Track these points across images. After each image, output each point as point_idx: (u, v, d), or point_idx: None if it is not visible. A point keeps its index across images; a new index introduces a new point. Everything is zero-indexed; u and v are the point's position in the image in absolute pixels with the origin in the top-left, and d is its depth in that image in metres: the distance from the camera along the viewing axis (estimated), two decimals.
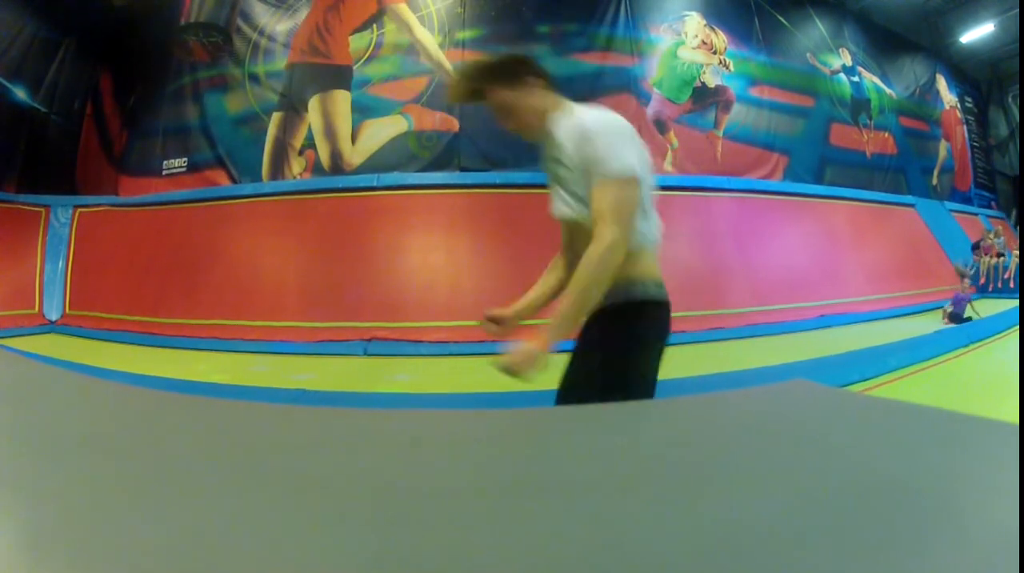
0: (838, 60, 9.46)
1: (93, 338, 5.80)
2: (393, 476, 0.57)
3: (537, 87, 1.27)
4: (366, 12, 7.06)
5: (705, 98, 7.81)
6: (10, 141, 7.07)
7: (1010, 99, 12.78)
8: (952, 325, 5.74)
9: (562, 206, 1.28)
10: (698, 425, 0.79)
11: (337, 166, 6.81)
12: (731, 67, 8.05)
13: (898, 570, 0.38)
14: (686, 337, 5.01)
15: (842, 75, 9.44)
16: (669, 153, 7.37)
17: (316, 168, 6.88)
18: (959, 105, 11.90)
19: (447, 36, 6.96)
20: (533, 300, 1.41)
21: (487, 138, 6.77)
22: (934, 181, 10.81)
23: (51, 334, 6.17)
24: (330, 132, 6.87)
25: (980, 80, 12.75)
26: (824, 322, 6.12)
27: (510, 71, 1.27)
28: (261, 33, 7.35)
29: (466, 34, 6.98)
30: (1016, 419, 0.62)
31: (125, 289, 6.28)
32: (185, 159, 7.36)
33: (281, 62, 7.19)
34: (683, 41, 7.81)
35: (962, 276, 6.30)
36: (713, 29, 8.01)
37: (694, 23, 7.91)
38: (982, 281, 8.59)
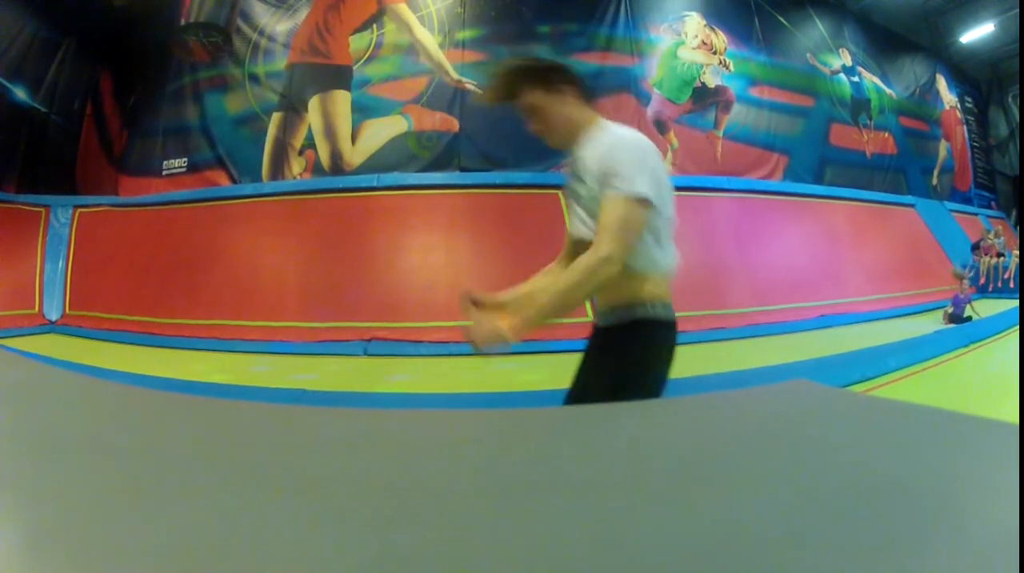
0: (838, 60, 9.46)
1: (93, 338, 5.79)
2: (393, 476, 0.57)
3: (571, 96, 1.28)
4: (366, 12, 7.06)
5: (705, 98, 7.81)
6: (10, 141, 7.07)
7: (1010, 99, 12.77)
8: (952, 325, 5.74)
9: (579, 225, 1.28)
10: (698, 425, 0.79)
11: (337, 166, 6.81)
12: (731, 67, 8.05)
13: (898, 570, 0.38)
14: (686, 337, 4.96)
15: (842, 75, 9.44)
16: (669, 153, 7.37)
17: (316, 168, 6.88)
18: (959, 105, 11.90)
19: (447, 36, 6.96)
20: (519, 296, 1.39)
21: (487, 138, 6.77)
22: (934, 181, 10.81)
23: (51, 334, 6.16)
24: (330, 132, 6.87)
25: (980, 80, 12.75)
26: (824, 322, 6.12)
27: (548, 76, 1.27)
28: (261, 33, 7.35)
29: (466, 34, 6.99)
30: (1016, 419, 0.62)
31: (125, 289, 6.28)
32: (185, 159, 7.36)
33: (281, 62, 7.20)
34: (683, 41, 7.81)
35: (960, 278, 6.29)
36: (713, 29, 8.01)
37: (694, 23, 7.91)
38: (982, 281, 8.59)
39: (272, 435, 0.73)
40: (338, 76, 6.95)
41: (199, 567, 0.38)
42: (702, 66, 7.84)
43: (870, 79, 9.89)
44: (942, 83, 11.54)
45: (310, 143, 6.92)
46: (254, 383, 3.80)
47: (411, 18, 7.00)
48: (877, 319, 6.50)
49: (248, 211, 6.56)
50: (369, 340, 5.14)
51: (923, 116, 10.87)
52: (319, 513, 0.47)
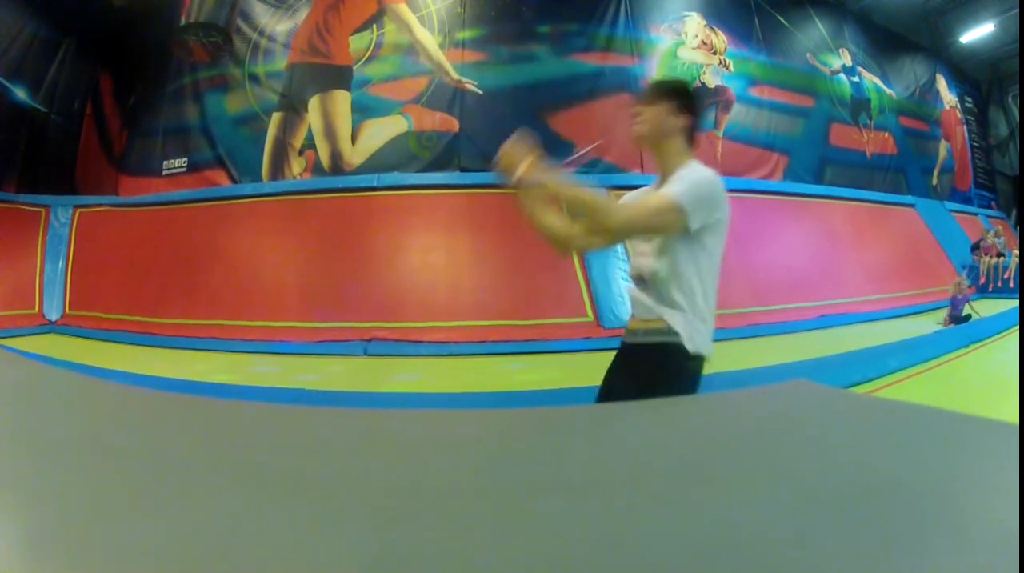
0: (838, 60, 9.45)
1: (93, 338, 5.79)
2: (393, 476, 0.57)
3: (686, 126, 1.35)
4: (366, 12, 7.06)
5: (705, 98, 7.81)
6: (10, 141, 7.07)
7: (1010, 99, 12.77)
8: (952, 325, 5.74)
9: (641, 260, 1.36)
10: (698, 425, 0.79)
11: (337, 166, 6.81)
12: (731, 67, 8.05)
13: (898, 570, 0.38)
14: None
15: (842, 75, 9.44)
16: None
17: (316, 168, 6.88)
18: (959, 105, 11.89)
19: (447, 36, 6.96)
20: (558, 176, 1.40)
21: (487, 138, 6.76)
22: (934, 181, 10.81)
23: (51, 334, 6.16)
24: (330, 132, 6.87)
25: (980, 80, 12.74)
26: (825, 322, 6.12)
27: (686, 99, 1.36)
28: (261, 33, 7.35)
29: (466, 34, 6.98)
30: (1016, 419, 0.62)
31: (125, 289, 6.28)
32: (185, 159, 7.35)
33: (281, 62, 7.19)
34: (683, 41, 7.81)
35: (958, 285, 6.29)
36: (713, 29, 8.01)
37: (694, 23, 7.91)
38: (982, 281, 8.59)
39: (272, 435, 0.73)
40: (338, 76, 6.95)
41: (199, 567, 0.38)
42: (702, 66, 7.84)
43: (870, 79, 9.88)
44: (942, 83, 11.54)
45: (310, 143, 6.92)
46: (254, 383, 3.80)
47: (411, 18, 6.99)
48: (877, 319, 6.50)
49: (248, 211, 6.56)
50: (369, 340, 5.14)
51: (923, 116, 10.87)
52: (319, 513, 0.47)
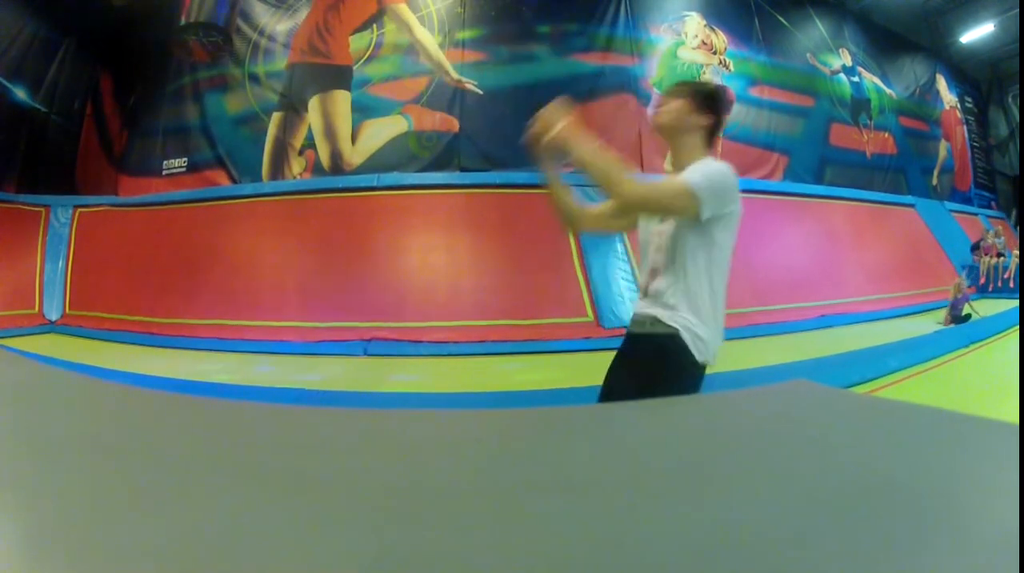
0: (838, 60, 9.45)
1: (93, 338, 5.80)
2: (393, 476, 0.57)
3: (706, 125, 1.39)
4: (366, 12, 7.06)
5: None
6: (10, 141, 7.07)
7: (1010, 99, 12.77)
8: (953, 325, 5.74)
9: (652, 253, 1.39)
10: (698, 425, 0.79)
11: (337, 166, 6.81)
12: (731, 67, 8.05)
13: (898, 570, 0.38)
14: None
15: (842, 75, 9.44)
16: (669, 153, 7.36)
17: (316, 168, 6.88)
18: (959, 105, 11.89)
19: (447, 36, 6.96)
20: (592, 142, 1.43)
21: (487, 138, 6.77)
22: (934, 181, 10.81)
23: (51, 334, 6.16)
24: (330, 132, 6.87)
25: (980, 80, 12.74)
26: (825, 322, 6.12)
27: (711, 100, 1.40)
28: (261, 33, 7.35)
29: (466, 34, 6.98)
30: (1016, 419, 0.62)
31: (125, 289, 6.28)
32: (185, 159, 7.36)
33: (281, 62, 7.19)
34: (683, 41, 7.81)
35: (958, 285, 6.29)
36: (713, 29, 8.01)
37: (694, 23, 7.91)
38: (982, 281, 8.59)
39: (272, 435, 0.73)
40: (338, 76, 6.95)
41: (199, 567, 0.38)
42: (702, 66, 7.83)
43: (870, 79, 9.88)
44: (942, 83, 11.54)
45: (310, 143, 6.92)
46: (254, 383, 3.80)
47: (411, 18, 6.99)
48: (877, 319, 6.50)
49: (248, 211, 6.56)
50: (369, 340, 5.14)
51: (923, 116, 10.87)
52: (319, 513, 0.47)
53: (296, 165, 6.95)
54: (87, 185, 7.72)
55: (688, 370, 1.27)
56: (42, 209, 7.00)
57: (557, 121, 1.26)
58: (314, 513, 0.47)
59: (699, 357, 1.27)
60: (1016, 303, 6.66)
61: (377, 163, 6.69)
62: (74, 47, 7.65)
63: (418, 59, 6.95)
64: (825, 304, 6.49)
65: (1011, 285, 8.42)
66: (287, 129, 7.00)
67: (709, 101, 1.40)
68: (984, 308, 6.25)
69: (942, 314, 6.23)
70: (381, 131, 6.82)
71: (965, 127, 11.93)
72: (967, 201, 11.37)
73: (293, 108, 6.99)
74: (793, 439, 0.70)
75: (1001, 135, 13.00)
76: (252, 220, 6.47)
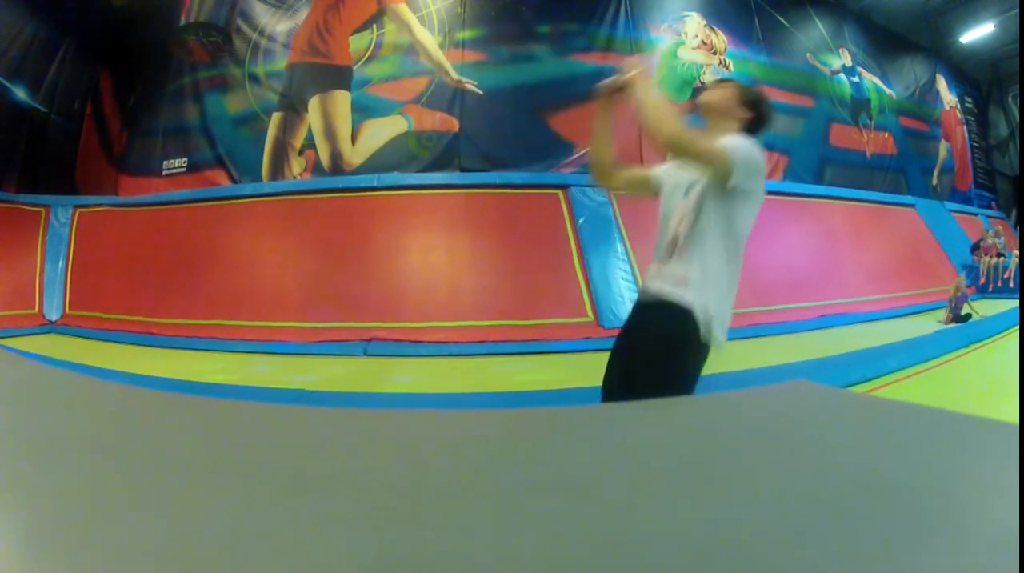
0: (838, 60, 9.45)
1: (93, 338, 5.79)
2: (393, 476, 0.57)
3: (745, 119, 1.45)
4: (366, 12, 7.06)
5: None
6: (10, 141, 7.07)
7: (1010, 99, 12.76)
8: (953, 325, 5.74)
9: (673, 223, 1.44)
10: (698, 425, 0.79)
11: (337, 166, 6.80)
12: (731, 67, 8.05)
13: (898, 570, 0.38)
14: None
15: (842, 75, 9.44)
16: (668, 153, 7.36)
17: (316, 168, 6.88)
18: (959, 105, 11.89)
19: (447, 36, 6.96)
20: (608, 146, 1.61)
21: (487, 138, 6.77)
22: (934, 181, 10.80)
23: (51, 334, 6.16)
24: (330, 132, 6.87)
25: (980, 80, 12.74)
26: (825, 322, 6.12)
27: (759, 104, 1.48)
28: (261, 33, 7.34)
29: (466, 34, 6.98)
30: (1016, 419, 0.62)
31: (125, 289, 6.28)
32: (185, 159, 7.35)
33: (281, 62, 7.19)
34: (683, 41, 7.80)
35: (958, 285, 6.28)
36: (713, 29, 8.01)
37: (694, 23, 7.90)
38: (982, 281, 8.59)
39: (272, 435, 0.73)
40: (338, 76, 6.95)
41: (199, 567, 0.38)
42: (702, 66, 7.83)
43: (870, 79, 9.88)
44: (942, 83, 11.53)
45: (310, 143, 6.92)
46: (254, 383, 3.80)
47: (411, 18, 6.99)
48: (877, 319, 6.50)
49: (248, 211, 6.56)
50: (369, 340, 5.14)
51: (923, 116, 10.87)
52: (319, 513, 0.47)
53: (296, 165, 6.95)
54: (87, 185, 7.71)
55: (695, 346, 1.28)
56: (42, 209, 7.00)
57: (631, 70, 1.35)
58: (314, 513, 0.47)
59: (705, 334, 1.28)
60: (1016, 303, 6.66)
61: (377, 163, 6.69)
62: (74, 47, 7.64)
63: (418, 59, 6.95)
64: (825, 304, 6.49)
65: (1011, 285, 8.41)
66: (287, 129, 7.00)
67: (754, 101, 1.47)
68: (984, 308, 6.25)
69: (942, 314, 6.24)
70: (381, 131, 6.82)
71: (965, 127, 11.93)
72: (967, 201, 11.36)
73: (293, 108, 6.99)
74: (793, 439, 0.70)
75: (1001, 135, 12.99)
76: (252, 220, 6.47)
